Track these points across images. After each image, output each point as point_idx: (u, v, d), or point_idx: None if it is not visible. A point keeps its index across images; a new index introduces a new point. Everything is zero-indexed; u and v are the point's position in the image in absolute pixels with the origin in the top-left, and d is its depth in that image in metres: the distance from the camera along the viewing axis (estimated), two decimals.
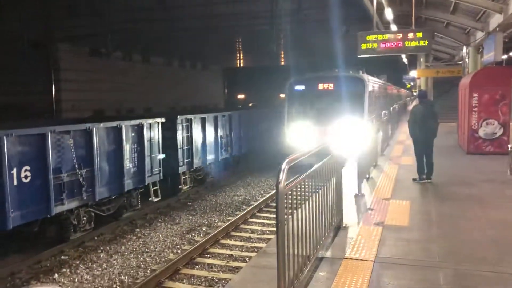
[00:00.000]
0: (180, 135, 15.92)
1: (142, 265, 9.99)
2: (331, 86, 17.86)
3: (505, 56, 21.42)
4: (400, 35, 12.50)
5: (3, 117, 21.45)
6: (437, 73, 26.20)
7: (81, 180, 10.99)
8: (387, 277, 4.79)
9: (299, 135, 17.23)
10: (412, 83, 60.73)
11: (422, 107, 9.67)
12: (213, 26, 26.59)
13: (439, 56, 31.56)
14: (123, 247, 11.15)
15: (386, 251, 5.56)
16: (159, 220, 13.50)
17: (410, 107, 30.71)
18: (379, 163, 12.07)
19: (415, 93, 56.94)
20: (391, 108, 22.12)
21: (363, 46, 12.66)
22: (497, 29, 13.87)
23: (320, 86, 17.96)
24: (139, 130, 13.33)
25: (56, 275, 9.37)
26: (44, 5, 26.07)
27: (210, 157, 17.94)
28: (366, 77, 18.52)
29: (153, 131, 14.04)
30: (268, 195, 15.71)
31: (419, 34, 12.31)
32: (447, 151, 14.48)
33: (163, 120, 14.50)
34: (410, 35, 12.33)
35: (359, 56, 12.97)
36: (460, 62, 23.88)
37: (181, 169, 16.02)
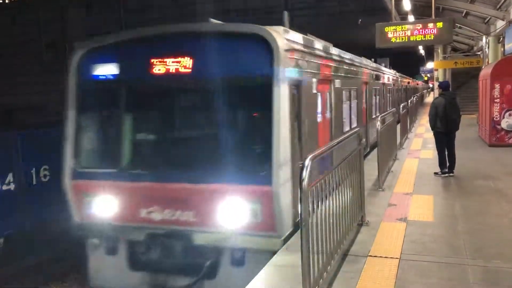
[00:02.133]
0: None
1: None
2: (186, 63, 6.34)
3: None
4: (419, 26, 12.21)
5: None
6: (455, 64, 25.69)
7: None
8: (414, 275, 4.63)
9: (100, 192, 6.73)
10: (429, 75, 59.88)
11: (444, 99, 9.41)
12: (227, 22, 26.44)
13: (457, 47, 30.95)
14: None
15: (411, 248, 5.40)
16: None
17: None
18: (399, 157, 11.86)
19: (431, 85, 56.10)
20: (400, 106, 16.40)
21: (382, 37, 12.42)
22: None
23: (157, 67, 6.46)
24: None
25: None
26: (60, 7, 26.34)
27: None
28: (293, 36, 6.84)
29: None
30: None
31: (439, 24, 12.01)
32: (468, 143, 14.15)
33: None
34: (430, 25, 12.03)
35: (377, 47, 12.74)
36: (479, 53, 23.39)
37: None
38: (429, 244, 5.51)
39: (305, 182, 3.63)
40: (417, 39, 12.50)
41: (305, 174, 3.65)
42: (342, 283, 4.49)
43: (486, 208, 7.04)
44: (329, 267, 4.49)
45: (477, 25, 20.03)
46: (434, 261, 5.00)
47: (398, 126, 12.87)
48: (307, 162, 3.73)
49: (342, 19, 25.55)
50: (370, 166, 9.52)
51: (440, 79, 29.40)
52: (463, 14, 19.97)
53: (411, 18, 17.37)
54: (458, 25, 21.64)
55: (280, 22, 6.86)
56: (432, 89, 46.42)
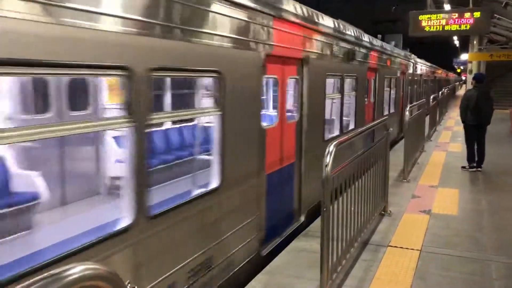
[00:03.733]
0: None
1: None
2: None
3: None
4: (455, 15, 11.82)
5: None
6: (490, 56, 24.84)
7: None
8: (434, 268, 4.59)
9: None
10: (462, 67, 58.28)
11: (476, 92, 9.15)
12: None
13: (494, 39, 29.89)
14: None
15: (433, 240, 5.33)
16: None
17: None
18: (426, 149, 11.65)
19: (463, 78, 54.49)
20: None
21: (416, 26, 12.08)
22: None
23: None
24: None
25: None
26: None
27: None
28: None
29: None
30: None
31: (477, 14, 11.58)
32: (499, 138, 13.77)
33: None
34: (467, 14, 11.62)
35: (409, 36, 12.42)
36: None
37: None
38: (452, 238, 5.43)
39: (328, 168, 3.62)
40: (452, 29, 12.12)
41: (329, 160, 3.63)
42: (360, 271, 4.48)
43: None
44: (348, 255, 4.49)
45: None
46: (456, 255, 4.93)
47: (427, 118, 12.61)
48: (331, 148, 3.71)
49: (370, 9, 24.98)
50: (396, 157, 9.41)
51: (474, 72, 28.56)
52: (503, 5, 19.23)
53: (447, 7, 16.83)
54: (497, 16, 20.88)
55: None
56: (465, 82, 45.09)
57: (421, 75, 20.02)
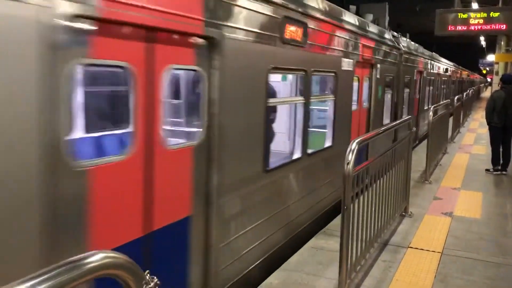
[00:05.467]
0: None
1: None
2: None
3: None
4: (483, 14, 11.53)
5: None
6: None
7: None
8: (456, 271, 4.48)
9: None
10: (488, 68, 57.06)
11: (504, 93, 8.92)
12: None
13: None
14: None
15: (455, 243, 5.21)
16: None
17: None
18: (449, 151, 11.42)
19: (489, 80, 53.24)
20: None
21: (442, 25, 11.83)
22: None
23: None
24: None
25: None
26: None
27: None
28: None
29: None
30: None
31: (506, 13, 11.29)
32: None
33: None
34: (495, 14, 11.33)
35: (436, 35, 12.17)
36: None
37: None
38: (474, 242, 5.30)
39: (350, 166, 3.57)
40: (479, 28, 11.83)
41: (351, 157, 3.58)
42: (379, 271, 4.41)
43: None
44: (367, 254, 4.42)
45: None
46: (478, 258, 4.81)
47: (451, 119, 12.35)
48: (354, 145, 3.65)
49: (399, 3, 24.53)
50: (419, 158, 9.25)
51: (501, 73, 27.88)
52: None
53: (475, 5, 16.45)
54: None
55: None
56: (490, 84, 44.06)
57: (439, 74, 18.82)
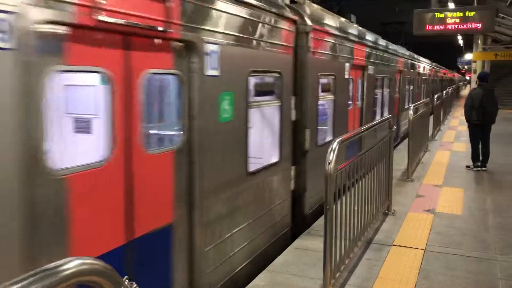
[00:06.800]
0: None
1: None
2: None
3: None
4: (460, 14, 11.73)
5: None
6: (495, 56, 24.69)
7: None
8: (439, 267, 4.53)
9: None
10: (466, 67, 58.08)
11: (481, 91, 9.08)
12: None
13: (498, 38, 29.74)
14: None
15: (437, 239, 5.28)
16: None
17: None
18: (430, 149, 11.58)
19: (468, 78, 54.28)
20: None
21: (420, 24, 11.98)
22: None
23: None
24: None
25: None
26: None
27: None
28: None
29: None
30: None
31: (481, 13, 11.51)
32: (504, 138, 13.67)
33: None
34: (471, 13, 11.54)
35: (414, 35, 12.32)
36: None
37: None
38: (457, 237, 5.38)
39: (331, 165, 3.58)
40: (456, 28, 12.03)
41: (332, 157, 3.59)
42: (364, 270, 4.44)
43: None
44: (351, 253, 4.44)
45: None
46: (460, 254, 4.88)
47: (431, 118, 12.52)
48: (335, 145, 3.66)
49: (377, 5, 24.82)
50: (400, 157, 9.36)
51: (478, 71, 28.41)
52: (508, 3, 19.10)
53: (451, 5, 16.73)
54: (501, 15, 20.75)
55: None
56: (469, 82, 44.88)
57: (419, 73, 18.96)
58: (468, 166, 9.36)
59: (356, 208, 4.51)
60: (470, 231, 5.60)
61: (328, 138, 7.12)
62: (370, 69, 9.55)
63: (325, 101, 7.17)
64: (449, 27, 11.94)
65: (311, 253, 4.88)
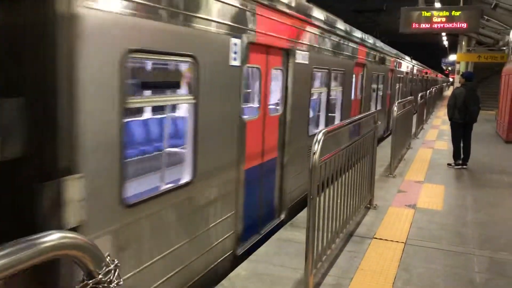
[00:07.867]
0: None
1: None
2: None
3: None
4: (446, 13, 11.85)
5: None
6: (478, 58, 25.08)
7: None
8: (418, 260, 4.60)
9: None
10: (450, 68, 58.81)
11: (464, 90, 9.21)
12: None
13: (482, 41, 30.15)
14: None
15: (418, 233, 5.35)
16: None
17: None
18: (413, 146, 11.72)
19: (451, 79, 54.94)
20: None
21: (406, 22, 12.08)
22: None
23: None
24: None
25: None
26: None
27: None
28: None
29: None
30: None
31: (467, 13, 11.66)
32: (484, 138, 13.92)
33: None
34: (457, 13, 11.68)
35: (400, 33, 12.40)
36: (504, 48, 22.76)
37: None
38: (436, 232, 5.46)
39: (316, 156, 3.59)
40: (442, 27, 12.16)
41: (317, 147, 3.60)
42: (345, 261, 4.48)
43: (498, 201, 6.93)
44: (333, 245, 4.47)
45: (506, 18, 19.42)
46: (439, 248, 4.95)
47: (415, 117, 12.67)
48: (320, 136, 3.67)
49: (368, 3, 24.90)
50: (383, 153, 9.44)
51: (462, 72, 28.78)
52: (492, 6, 19.37)
53: (437, 4, 16.90)
54: (486, 17, 21.06)
55: None
56: (452, 83, 45.44)
57: (407, 73, 19.27)
58: (449, 164, 9.50)
59: (338, 201, 4.54)
60: (450, 226, 5.69)
61: None
62: (299, 56, 6.21)
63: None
64: (435, 25, 12.06)
65: (293, 244, 4.91)
